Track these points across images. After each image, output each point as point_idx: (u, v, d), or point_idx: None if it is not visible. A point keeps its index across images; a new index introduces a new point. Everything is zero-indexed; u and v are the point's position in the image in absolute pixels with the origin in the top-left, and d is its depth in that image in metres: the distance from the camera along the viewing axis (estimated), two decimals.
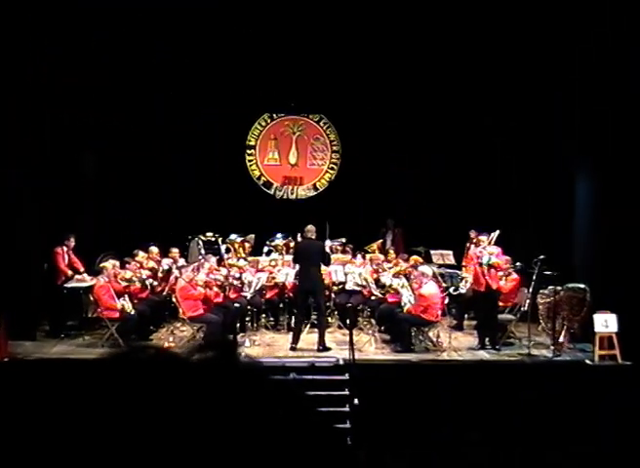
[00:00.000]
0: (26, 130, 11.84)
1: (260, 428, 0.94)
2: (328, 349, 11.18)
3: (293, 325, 11.93)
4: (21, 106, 11.73)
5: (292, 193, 16.97)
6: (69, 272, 12.36)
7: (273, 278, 12.78)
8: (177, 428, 0.92)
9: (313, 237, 11.55)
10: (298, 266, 11.75)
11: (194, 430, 0.92)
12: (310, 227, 11.54)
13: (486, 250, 11.55)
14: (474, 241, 14.11)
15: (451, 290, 12.17)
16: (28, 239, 11.96)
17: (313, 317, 12.40)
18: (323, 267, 11.72)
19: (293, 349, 11.19)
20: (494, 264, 11.37)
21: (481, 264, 11.38)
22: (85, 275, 12.40)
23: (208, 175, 15.84)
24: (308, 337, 11.72)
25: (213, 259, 12.46)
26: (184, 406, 0.94)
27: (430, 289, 11.32)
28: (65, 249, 12.40)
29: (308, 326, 12.27)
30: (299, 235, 12.95)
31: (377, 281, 12.40)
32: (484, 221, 13.21)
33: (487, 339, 11.49)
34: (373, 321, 12.27)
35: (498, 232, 11.80)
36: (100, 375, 1.01)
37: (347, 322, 11.94)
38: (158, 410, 0.93)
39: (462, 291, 12.23)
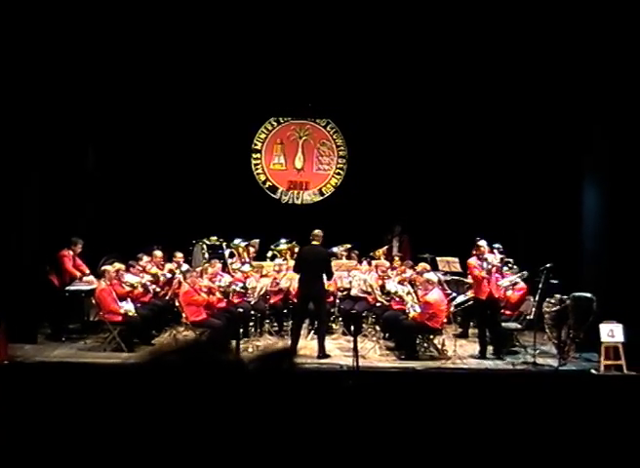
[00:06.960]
0: (28, 130, 11.76)
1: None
2: (327, 356, 11.10)
3: (290, 330, 11.87)
4: (25, 107, 11.67)
5: (297, 198, 16.91)
6: (77, 273, 12.31)
7: (277, 283, 12.71)
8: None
9: (319, 242, 11.50)
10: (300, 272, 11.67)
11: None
12: (317, 232, 11.48)
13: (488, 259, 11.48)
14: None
15: (457, 300, 12.13)
16: (29, 241, 11.90)
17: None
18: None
19: None
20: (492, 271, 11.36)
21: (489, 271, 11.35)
22: (92, 277, 12.35)
23: (213, 178, 15.78)
24: (312, 344, 11.63)
25: (218, 265, 12.40)
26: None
27: (435, 296, 11.25)
28: (71, 253, 12.35)
29: (312, 332, 12.21)
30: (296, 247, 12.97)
31: (382, 287, 12.34)
32: (491, 229, 13.12)
33: (490, 348, 11.44)
34: (377, 328, 12.21)
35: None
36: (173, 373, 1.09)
37: (352, 328, 11.89)
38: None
39: (460, 300, 12.19)
